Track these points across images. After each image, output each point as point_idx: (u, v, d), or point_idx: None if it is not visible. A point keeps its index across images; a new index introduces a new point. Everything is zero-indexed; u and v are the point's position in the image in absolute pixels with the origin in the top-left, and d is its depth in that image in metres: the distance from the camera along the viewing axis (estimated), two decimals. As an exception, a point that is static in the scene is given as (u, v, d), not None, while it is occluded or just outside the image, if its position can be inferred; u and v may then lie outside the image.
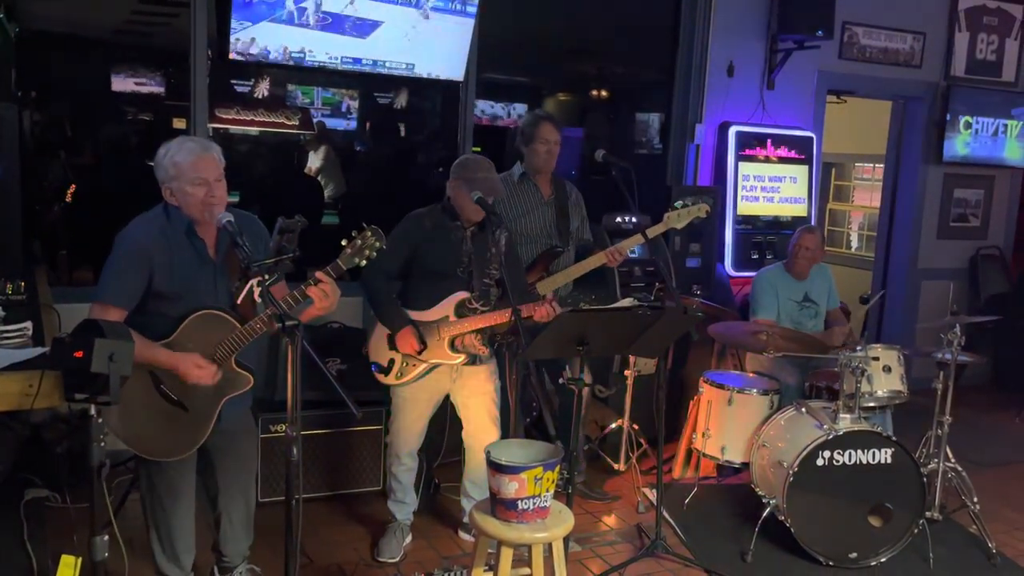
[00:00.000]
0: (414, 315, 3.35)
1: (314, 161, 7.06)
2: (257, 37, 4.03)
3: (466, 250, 3.34)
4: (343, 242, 2.54)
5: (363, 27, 4.22)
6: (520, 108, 7.96)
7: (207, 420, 2.65)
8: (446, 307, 3.32)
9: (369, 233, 2.52)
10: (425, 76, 4.54)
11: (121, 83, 6.54)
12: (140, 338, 2.46)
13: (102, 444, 2.20)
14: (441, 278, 3.33)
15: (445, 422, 3.87)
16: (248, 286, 2.43)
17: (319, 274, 2.52)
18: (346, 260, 2.52)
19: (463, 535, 3.70)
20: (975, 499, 3.91)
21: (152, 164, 2.63)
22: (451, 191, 3.34)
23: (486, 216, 3.27)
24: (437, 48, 4.45)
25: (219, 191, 2.58)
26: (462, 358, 3.35)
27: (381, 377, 3.44)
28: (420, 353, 3.31)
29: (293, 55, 4.14)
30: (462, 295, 3.31)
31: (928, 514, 3.76)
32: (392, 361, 3.39)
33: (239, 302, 2.54)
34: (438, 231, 3.34)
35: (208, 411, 2.65)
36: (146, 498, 2.75)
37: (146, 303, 2.57)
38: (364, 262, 2.53)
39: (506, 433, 3.52)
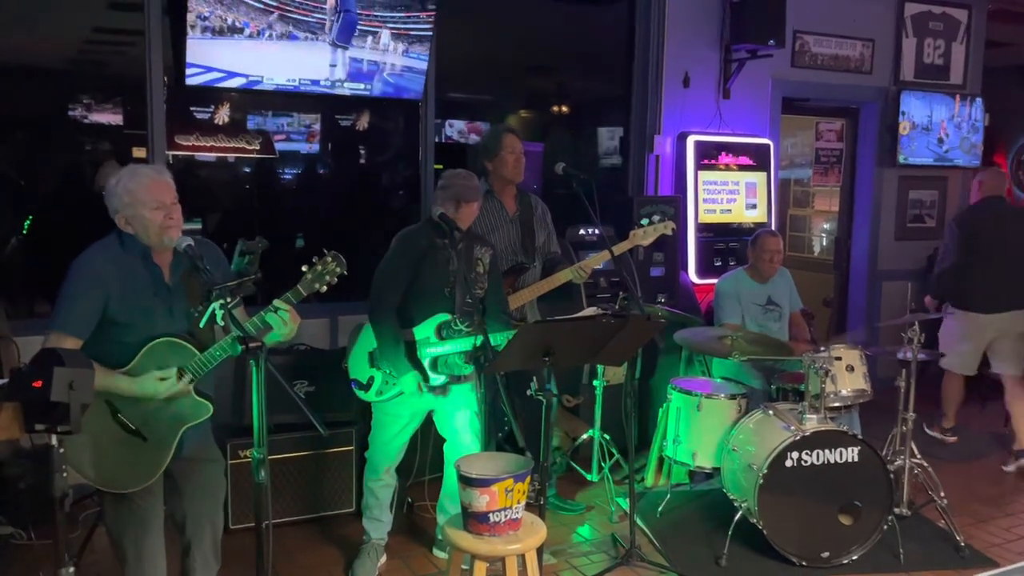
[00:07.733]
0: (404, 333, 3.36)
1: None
2: (212, 61, 4.03)
3: (452, 270, 3.36)
4: (303, 268, 2.53)
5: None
6: (459, 125, 8.01)
7: (166, 449, 2.60)
8: (428, 327, 3.33)
9: (329, 259, 2.52)
10: (381, 95, 4.55)
11: (77, 113, 6.46)
12: (98, 367, 2.40)
13: (64, 475, 2.16)
14: (430, 298, 3.35)
15: (425, 441, 3.85)
16: (210, 309, 2.42)
17: (279, 302, 2.51)
18: (306, 286, 2.52)
19: (437, 552, 3.68)
20: (942, 494, 3.98)
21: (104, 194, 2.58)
22: (442, 208, 3.36)
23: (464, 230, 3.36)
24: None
25: (176, 214, 2.55)
26: (443, 378, 3.35)
27: (361, 394, 3.42)
28: (422, 390, 3.32)
29: (251, 79, 4.14)
30: (445, 317, 3.33)
31: (897, 510, 3.82)
32: (372, 378, 3.38)
33: (201, 326, 2.50)
34: (431, 249, 3.37)
35: (167, 439, 2.60)
36: (113, 530, 2.68)
37: (102, 331, 2.53)
38: (324, 288, 2.52)
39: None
